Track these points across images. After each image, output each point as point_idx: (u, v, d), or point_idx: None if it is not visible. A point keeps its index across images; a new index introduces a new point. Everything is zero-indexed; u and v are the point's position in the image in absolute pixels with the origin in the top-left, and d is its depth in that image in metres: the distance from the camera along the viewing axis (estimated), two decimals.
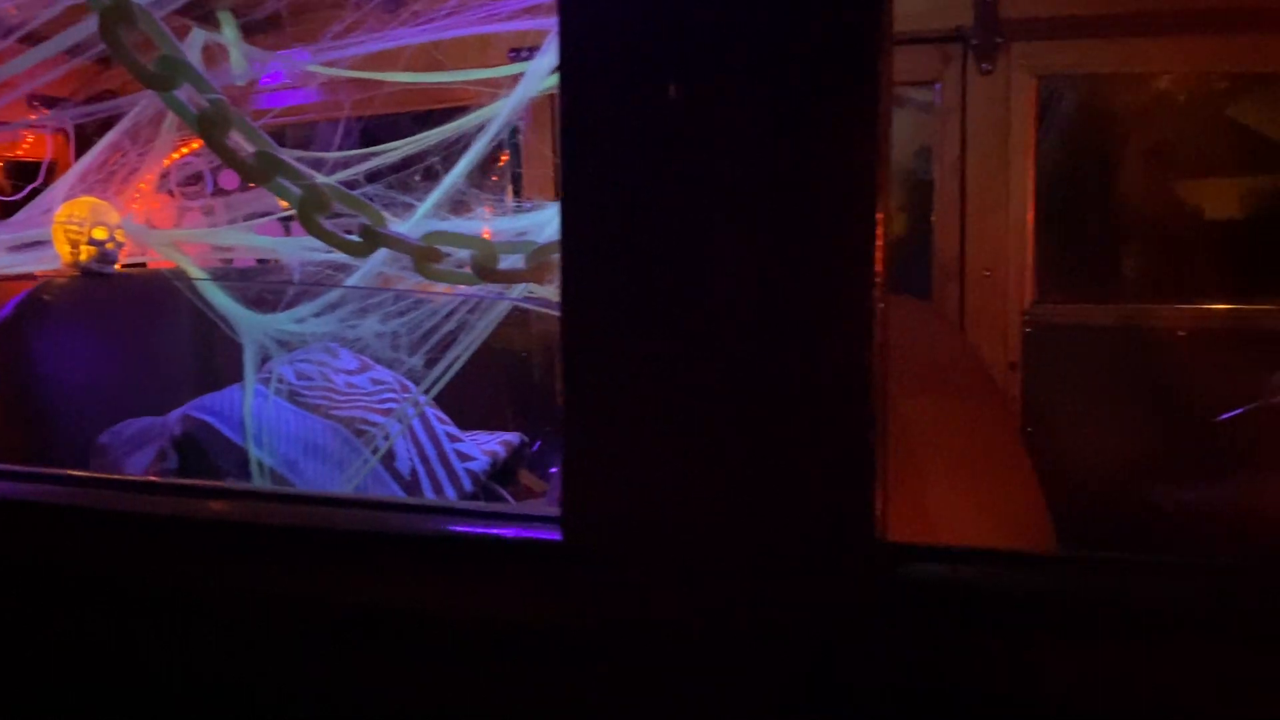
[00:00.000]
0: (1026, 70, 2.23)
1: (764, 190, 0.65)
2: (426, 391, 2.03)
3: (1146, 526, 2.09)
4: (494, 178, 2.69)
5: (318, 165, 2.06)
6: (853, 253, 0.64)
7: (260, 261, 2.67)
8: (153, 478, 1.95)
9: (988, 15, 2.18)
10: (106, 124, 2.52)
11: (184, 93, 1.22)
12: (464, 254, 1.27)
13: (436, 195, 1.74)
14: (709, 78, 0.65)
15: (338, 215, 1.27)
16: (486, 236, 1.77)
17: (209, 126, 1.17)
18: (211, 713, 0.84)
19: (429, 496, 2.14)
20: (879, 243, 0.63)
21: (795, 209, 0.64)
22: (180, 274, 2.27)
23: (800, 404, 0.64)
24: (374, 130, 2.37)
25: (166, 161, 2.64)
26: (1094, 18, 2.19)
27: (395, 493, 2.12)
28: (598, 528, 0.70)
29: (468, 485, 2.24)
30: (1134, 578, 0.65)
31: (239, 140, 1.25)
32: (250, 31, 2.17)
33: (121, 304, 2.44)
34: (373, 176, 2.11)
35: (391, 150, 2.11)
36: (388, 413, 2.24)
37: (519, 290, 1.90)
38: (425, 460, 2.21)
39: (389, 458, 2.15)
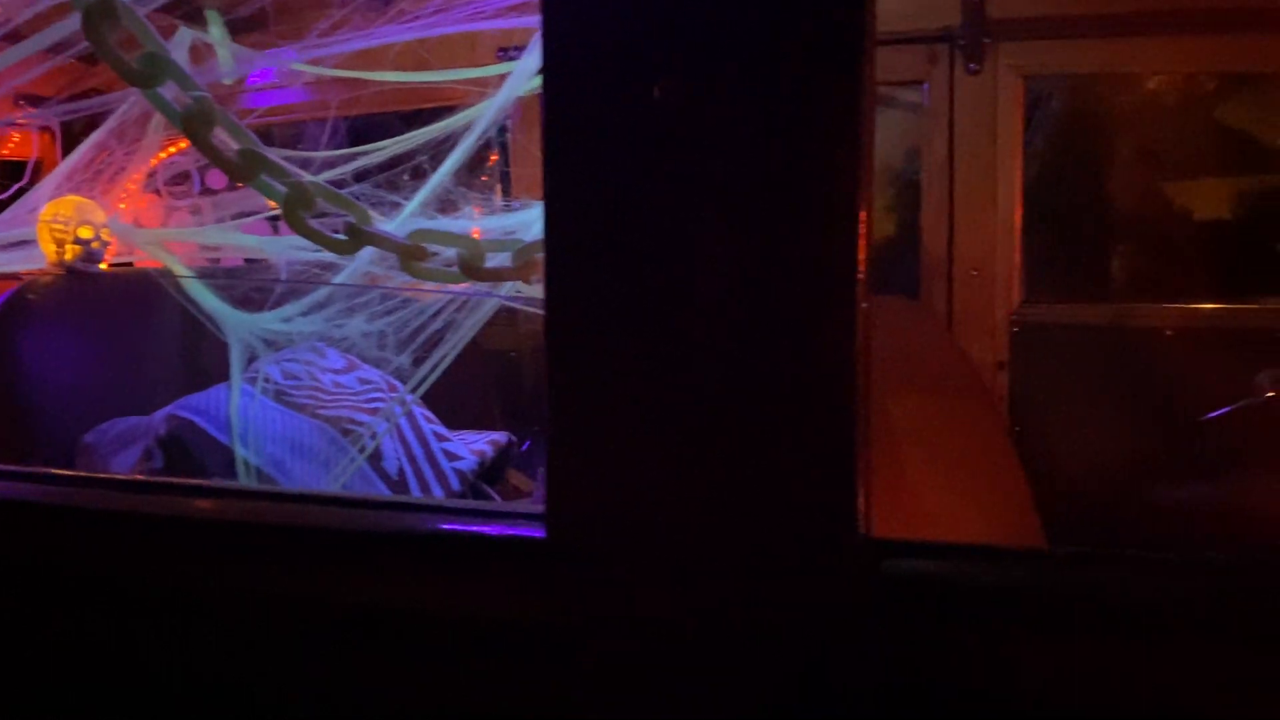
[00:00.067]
0: (1014, 70, 2.24)
1: (746, 190, 0.65)
2: (413, 390, 2.03)
3: (1135, 525, 2.09)
4: (483, 177, 2.69)
5: (305, 164, 2.06)
6: (836, 252, 0.64)
7: (248, 261, 2.66)
8: (140, 476, 1.94)
9: (975, 15, 2.19)
10: (93, 123, 2.51)
11: (169, 90, 1.22)
12: (452, 253, 1.27)
13: (423, 194, 1.73)
14: (693, 77, 0.65)
15: (324, 214, 1.27)
16: (476, 236, 1.76)
17: (193, 124, 1.17)
18: (202, 711, 0.84)
19: (416, 496, 2.14)
20: (862, 242, 0.63)
21: (778, 208, 0.64)
22: (167, 273, 2.26)
23: (784, 402, 0.65)
24: (363, 130, 2.36)
25: (154, 161, 2.63)
26: (1081, 18, 2.19)
27: (382, 492, 2.11)
28: (582, 525, 0.70)
29: (455, 485, 2.23)
30: (1116, 573, 0.65)
31: (224, 138, 1.24)
32: (236, 30, 2.16)
33: (107, 303, 2.43)
34: (361, 176, 2.11)
35: (379, 149, 2.11)
36: (375, 412, 2.23)
37: (507, 289, 1.90)
38: (413, 460, 2.21)
39: (376, 457, 2.15)
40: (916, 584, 0.65)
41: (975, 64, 2.22)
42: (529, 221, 1.85)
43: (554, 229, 0.69)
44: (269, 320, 2.03)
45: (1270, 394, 2.06)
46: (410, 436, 2.25)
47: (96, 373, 2.34)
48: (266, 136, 2.44)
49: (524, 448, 2.52)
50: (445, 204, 1.93)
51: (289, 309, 2.03)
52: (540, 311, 0.69)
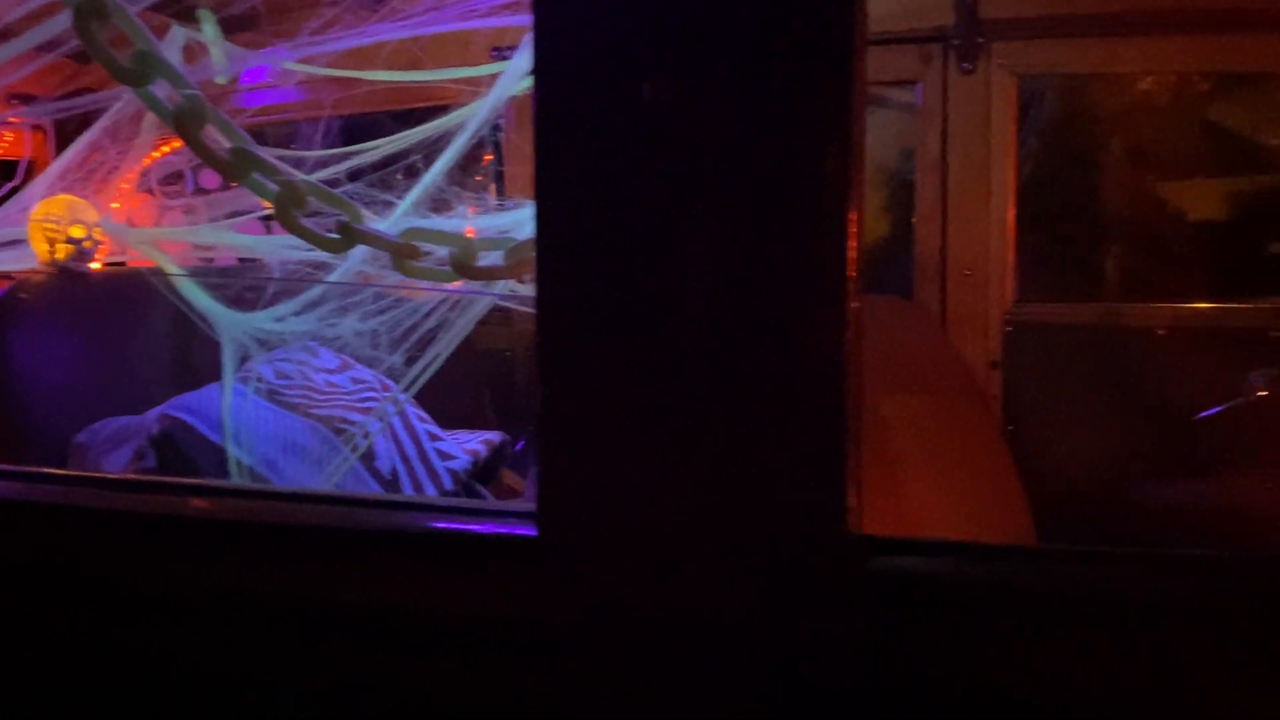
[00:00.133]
0: (1007, 70, 2.24)
1: (737, 188, 0.65)
2: (406, 389, 2.03)
3: (1127, 523, 2.10)
4: (478, 177, 2.69)
5: (299, 163, 2.06)
6: (826, 251, 0.64)
7: (241, 260, 2.66)
8: (133, 475, 1.94)
9: (968, 15, 2.19)
10: (87, 122, 2.51)
11: (161, 89, 1.22)
12: (445, 251, 1.27)
13: (416, 193, 1.74)
14: (683, 75, 0.65)
15: (317, 213, 1.27)
16: (470, 235, 1.77)
17: (184, 122, 1.17)
18: (193, 707, 0.84)
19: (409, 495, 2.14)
20: (852, 241, 0.64)
21: (768, 207, 0.64)
22: (159, 272, 2.26)
23: (772, 400, 0.65)
24: (357, 129, 2.36)
25: (147, 160, 2.63)
26: (1075, 18, 2.20)
27: (375, 492, 2.11)
28: (572, 523, 0.70)
29: (448, 484, 2.23)
30: (1104, 570, 0.65)
31: (216, 136, 1.24)
32: (227, 29, 2.16)
33: (99, 302, 2.43)
34: (355, 175, 2.11)
35: (372, 149, 2.11)
36: (368, 411, 2.23)
37: (501, 288, 1.90)
38: (406, 459, 2.21)
39: (369, 457, 2.15)
40: (905, 580, 0.65)
41: (969, 64, 2.22)
42: (523, 220, 1.85)
43: (544, 228, 0.69)
44: (262, 319, 2.03)
45: (1262, 393, 2.07)
46: (403, 436, 2.24)
47: (89, 372, 2.34)
48: (260, 136, 2.44)
49: (518, 447, 2.52)
50: (439, 203, 1.93)
51: (282, 308, 2.03)
52: (534, 310, 0.70)
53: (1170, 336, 2.24)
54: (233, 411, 2.04)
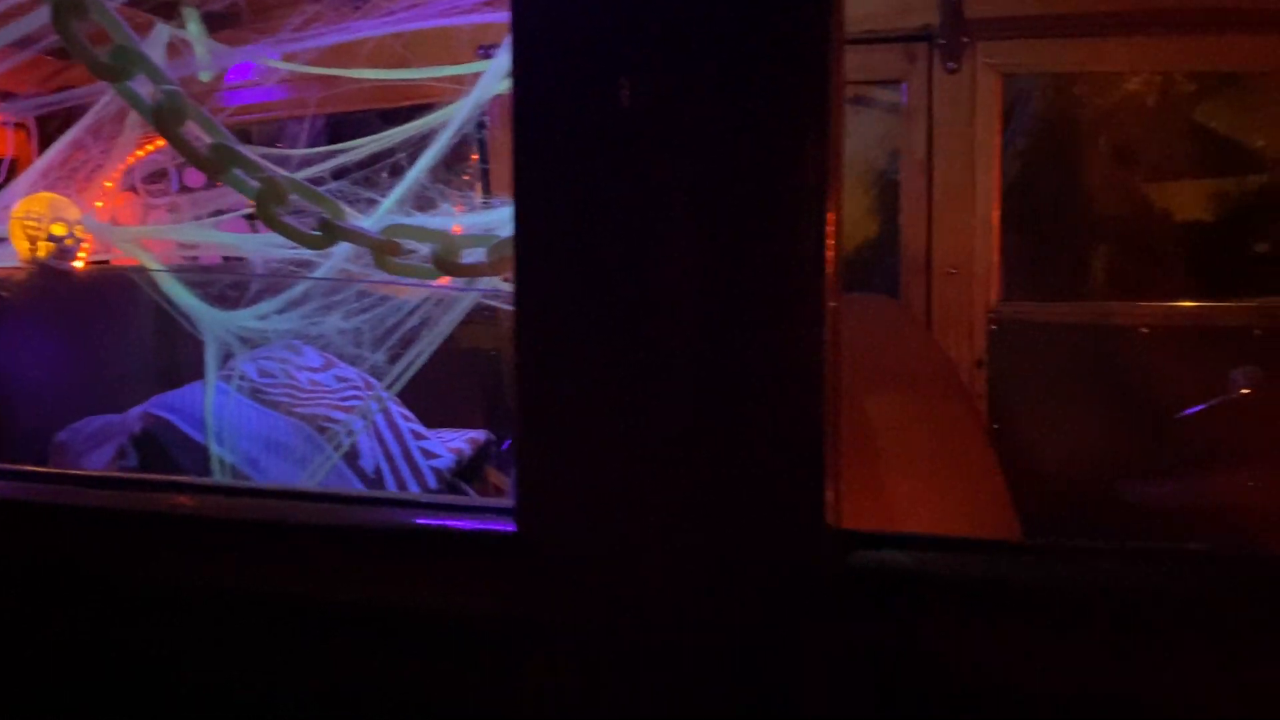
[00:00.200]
0: (992, 69, 2.24)
1: (715, 187, 0.65)
2: (390, 387, 2.02)
3: (1111, 520, 2.11)
4: (464, 175, 2.68)
5: (283, 161, 2.05)
6: (804, 250, 0.64)
7: (225, 259, 2.65)
8: (116, 473, 1.93)
9: (953, 15, 2.20)
10: (70, 119, 2.49)
11: (142, 85, 1.21)
12: (429, 249, 1.27)
13: (400, 190, 1.73)
14: (661, 74, 0.65)
15: (300, 211, 1.26)
16: (457, 232, 1.76)
17: (164, 117, 1.16)
18: (179, 703, 0.83)
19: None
20: (831, 240, 0.64)
21: (746, 206, 0.64)
22: (141, 270, 2.25)
23: (752, 397, 0.65)
24: (342, 128, 2.36)
25: (131, 158, 2.62)
26: (1060, 17, 2.20)
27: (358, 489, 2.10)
28: (552, 519, 0.70)
29: (432, 483, 2.23)
30: (1084, 565, 0.66)
31: (197, 133, 1.23)
32: (210, 26, 2.15)
33: (81, 300, 2.41)
34: (339, 173, 2.10)
35: (357, 147, 2.10)
36: (352, 410, 2.22)
37: (485, 286, 1.90)
38: (390, 458, 2.20)
39: (353, 455, 2.14)
40: (886, 574, 0.65)
41: (954, 63, 2.23)
42: (507, 218, 1.84)
43: (523, 227, 0.69)
44: (245, 318, 2.02)
45: (1245, 391, 2.08)
46: (387, 435, 2.24)
47: (70, 370, 2.33)
48: (245, 134, 2.43)
49: (503, 446, 2.52)
50: (425, 201, 1.93)
51: (265, 306, 2.02)
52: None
53: (1154, 335, 2.25)
54: (215, 410, 2.03)
